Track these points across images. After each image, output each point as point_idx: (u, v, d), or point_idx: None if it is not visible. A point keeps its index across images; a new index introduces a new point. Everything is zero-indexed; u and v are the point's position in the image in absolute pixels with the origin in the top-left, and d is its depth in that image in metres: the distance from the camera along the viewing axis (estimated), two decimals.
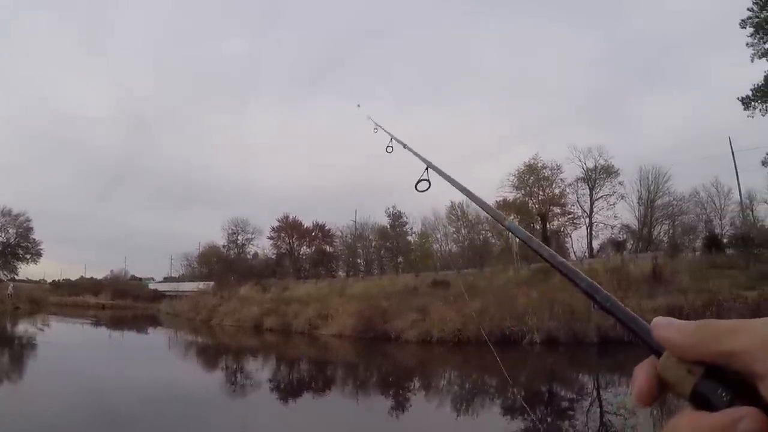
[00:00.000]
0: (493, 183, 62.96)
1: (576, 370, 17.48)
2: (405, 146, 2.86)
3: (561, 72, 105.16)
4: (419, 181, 2.05)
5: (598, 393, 13.78)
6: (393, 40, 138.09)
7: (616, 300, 0.75)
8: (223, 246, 77.57)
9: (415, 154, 2.38)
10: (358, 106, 5.10)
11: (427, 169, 2.02)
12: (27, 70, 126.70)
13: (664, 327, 0.61)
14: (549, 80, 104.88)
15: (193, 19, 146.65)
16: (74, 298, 67.60)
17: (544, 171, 54.75)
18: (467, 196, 1.60)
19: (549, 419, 10.67)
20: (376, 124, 3.88)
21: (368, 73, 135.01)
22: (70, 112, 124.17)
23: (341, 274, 67.06)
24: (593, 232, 54.58)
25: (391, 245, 66.96)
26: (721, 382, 0.53)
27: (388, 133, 3.40)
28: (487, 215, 1.52)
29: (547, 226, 53.53)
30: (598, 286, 0.80)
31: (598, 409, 10.46)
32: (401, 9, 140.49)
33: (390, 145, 3.20)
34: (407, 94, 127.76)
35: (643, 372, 0.61)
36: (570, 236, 56.64)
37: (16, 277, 79.13)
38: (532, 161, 54.77)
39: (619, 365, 17.34)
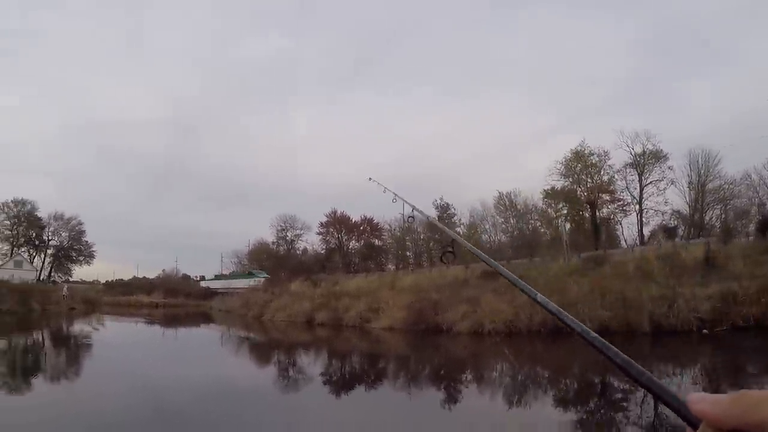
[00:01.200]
0: (540, 172, 62.37)
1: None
2: (429, 218, 2.88)
3: (602, 57, 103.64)
4: (444, 253, 2.19)
5: None
6: (428, 36, 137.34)
7: (651, 375, 0.82)
8: (273, 242, 78.90)
9: (442, 228, 2.47)
10: (370, 179, 5.22)
11: (452, 241, 2.16)
12: (75, 79, 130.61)
13: (700, 401, 0.64)
14: (590, 67, 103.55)
15: (231, 20, 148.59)
16: (127, 297, 69.76)
17: (591, 158, 54.13)
18: (495, 268, 1.72)
19: (602, 411, 10.76)
20: (395, 195, 3.89)
21: (405, 68, 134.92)
22: (118, 118, 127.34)
23: (391, 267, 67.45)
24: (644, 219, 53.65)
25: (439, 237, 66.99)
26: None
27: (408, 203, 3.39)
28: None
29: (597, 213, 52.88)
30: (633, 361, 0.88)
31: (653, 401, 10.50)
32: (435, 5, 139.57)
33: (411, 215, 3.22)
34: (444, 89, 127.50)
35: None
36: (620, 223, 55.92)
37: (70, 278, 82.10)
38: (579, 148, 54.21)
39: (673, 355, 17.23)
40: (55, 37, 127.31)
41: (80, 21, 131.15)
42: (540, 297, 1.37)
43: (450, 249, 2.16)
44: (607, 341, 0.98)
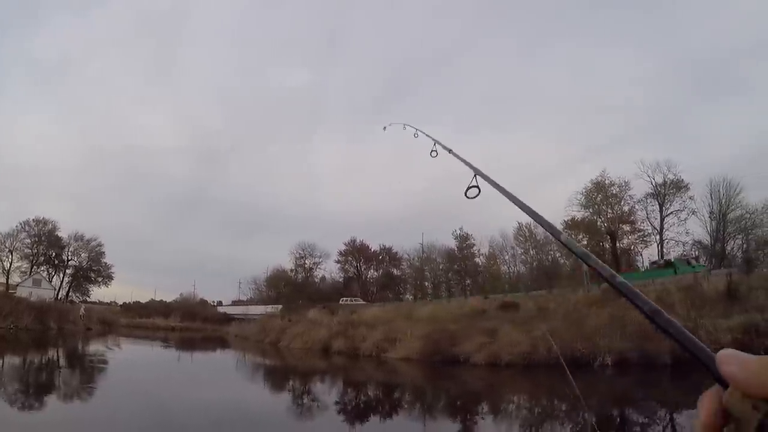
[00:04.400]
0: (560, 203, 62.05)
1: (648, 393, 17.08)
2: (450, 151, 2.84)
3: (623, 88, 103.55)
4: (469, 188, 2.14)
5: (672, 417, 13.50)
6: (451, 69, 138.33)
7: (680, 325, 0.77)
8: (291, 270, 78.92)
9: (462, 160, 2.40)
10: (384, 128, 5.19)
11: (475, 176, 2.11)
12: (103, 106, 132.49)
13: (729, 361, 0.61)
14: (610, 98, 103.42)
15: (258, 51, 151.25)
16: (144, 320, 70.25)
17: (611, 188, 53.82)
18: (516, 204, 1.63)
19: None
20: (417, 129, 3.92)
21: (430, 100, 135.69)
22: (144, 145, 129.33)
23: (409, 297, 67.26)
24: (664, 250, 53.07)
25: (458, 267, 66.79)
26: None
27: (430, 137, 3.41)
28: (545, 231, 1.41)
29: (617, 244, 52.42)
30: (660, 309, 0.82)
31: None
32: (460, 38, 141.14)
33: (434, 149, 3.23)
34: (469, 119, 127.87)
35: (708, 402, 0.62)
36: (641, 254, 55.40)
37: (87, 299, 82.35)
38: (600, 178, 53.95)
39: (694, 388, 16.75)
40: (85, 66, 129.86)
41: (111, 50, 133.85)
42: (564, 237, 1.26)
43: (474, 184, 2.09)
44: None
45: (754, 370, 0.57)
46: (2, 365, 22.96)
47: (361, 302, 49.50)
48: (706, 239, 52.81)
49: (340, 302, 53.11)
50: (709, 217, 52.01)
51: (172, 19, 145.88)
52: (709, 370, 0.64)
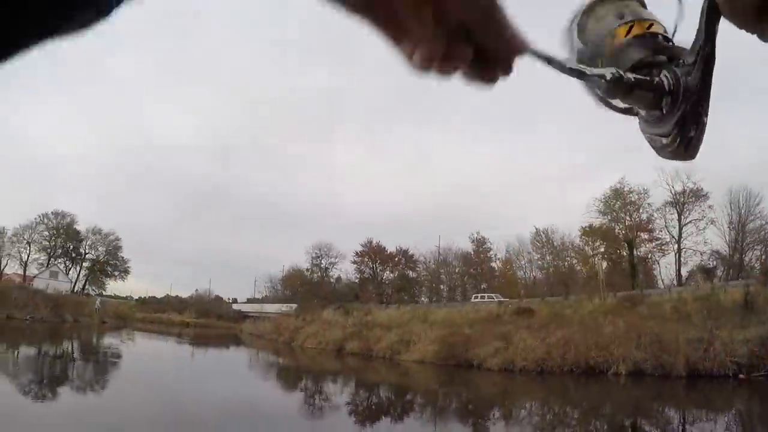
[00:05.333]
0: (578, 207, 61.91)
1: (662, 405, 17.03)
2: None
3: None
4: None
5: (684, 430, 13.50)
6: None
7: None
8: (307, 269, 79.16)
9: None
10: None
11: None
12: (123, 103, 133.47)
13: None
14: None
15: (279, 51, 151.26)
16: (159, 315, 70.71)
17: (630, 195, 53.55)
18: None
19: None
20: None
21: (446, 101, 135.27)
22: (164, 142, 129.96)
23: (424, 299, 67.24)
24: (682, 259, 52.55)
25: (474, 272, 66.76)
26: None
27: None
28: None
29: (634, 252, 52.13)
30: None
31: None
32: None
33: None
34: (483, 122, 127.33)
35: None
36: (658, 263, 55.01)
37: (103, 292, 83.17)
38: (618, 185, 53.71)
39: (708, 401, 16.90)
40: (107, 60, 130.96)
41: (133, 46, 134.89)
42: None
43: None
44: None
45: None
46: (18, 356, 23.39)
47: (500, 298, 46.65)
48: (724, 249, 52.32)
49: (473, 299, 50.36)
50: (728, 227, 51.54)
51: (195, 17, 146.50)
52: None
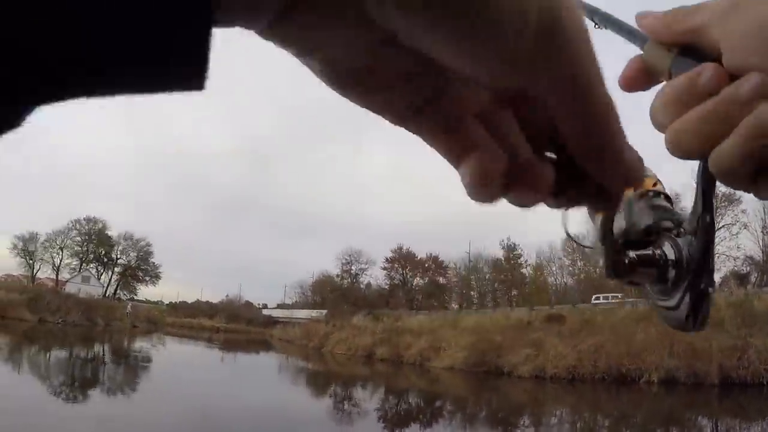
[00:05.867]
0: None
1: (695, 413, 16.88)
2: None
3: None
4: None
5: None
6: None
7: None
8: (337, 275, 79.35)
9: None
10: None
11: None
12: (156, 110, 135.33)
13: (644, 16, 0.62)
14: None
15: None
16: (190, 320, 71.00)
17: None
18: None
19: None
20: None
21: None
22: (196, 149, 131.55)
23: (454, 306, 66.99)
24: (715, 265, 51.64)
25: (505, 278, 66.37)
26: (694, 57, 0.55)
27: None
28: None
29: None
30: None
31: None
32: None
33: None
34: None
35: (630, 61, 0.64)
36: None
37: (135, 297, 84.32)
38: None
39: (741, 409, 16.70)
40: None
41: None
42: None
43: None
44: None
45: (662, 15, 0.59)
46: (49, 358, 23.91)
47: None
48: (758, 255, 51.41)
49: (592, 301, 49.46)
50: (762, 231, 50.67)
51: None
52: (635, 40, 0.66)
